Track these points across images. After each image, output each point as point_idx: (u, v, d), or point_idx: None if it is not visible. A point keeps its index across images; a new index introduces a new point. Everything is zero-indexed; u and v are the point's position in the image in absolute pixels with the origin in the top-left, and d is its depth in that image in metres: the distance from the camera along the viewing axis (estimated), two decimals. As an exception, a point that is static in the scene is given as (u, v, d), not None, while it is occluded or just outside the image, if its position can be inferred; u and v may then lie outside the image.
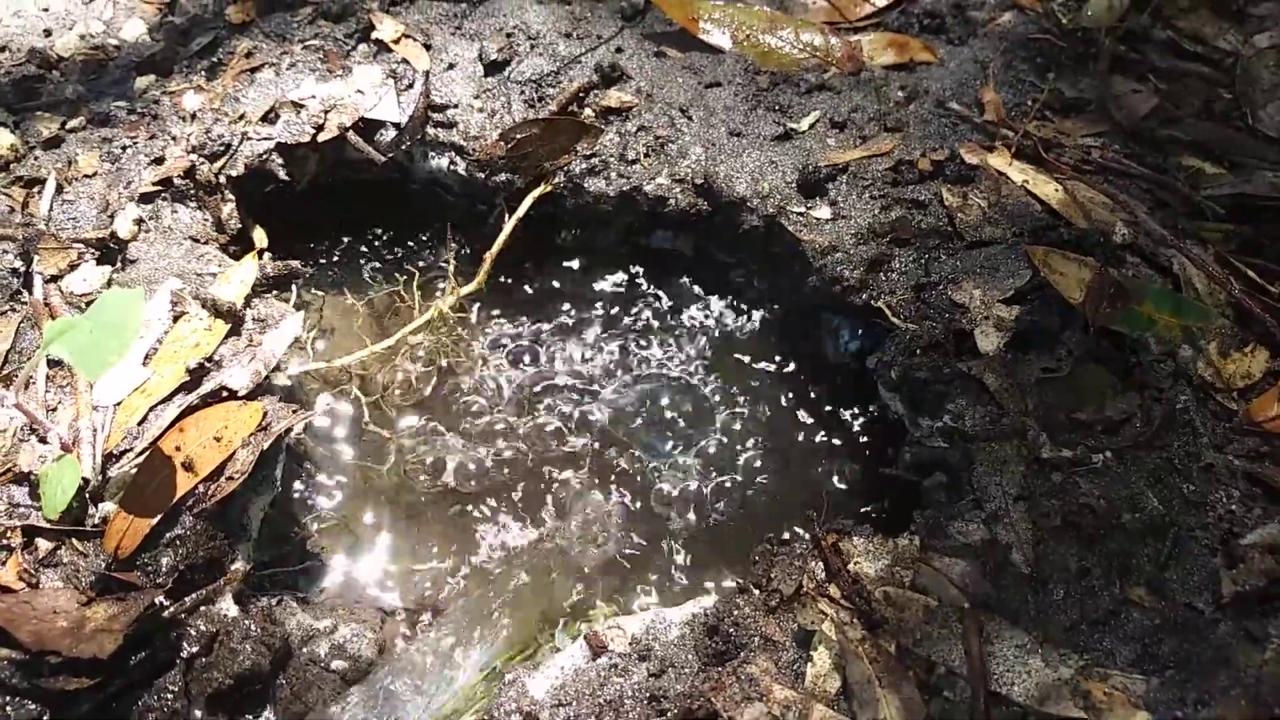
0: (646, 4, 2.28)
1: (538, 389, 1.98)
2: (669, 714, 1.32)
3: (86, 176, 1.92)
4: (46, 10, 2.32)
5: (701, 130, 2.04)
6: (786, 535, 1.73)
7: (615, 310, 2.11)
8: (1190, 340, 1.67)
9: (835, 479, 1.86)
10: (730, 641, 1.37)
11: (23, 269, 1.75)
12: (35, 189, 1.89)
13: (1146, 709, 1.28)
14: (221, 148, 1.94)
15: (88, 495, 1.43)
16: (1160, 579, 1.43)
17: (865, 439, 1.91)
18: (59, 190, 1.88)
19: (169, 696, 1.33)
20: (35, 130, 1.99)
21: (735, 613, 1.39)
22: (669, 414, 1.96)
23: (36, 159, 1.94)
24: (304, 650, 1.49)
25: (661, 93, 2.10)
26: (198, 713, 1.34)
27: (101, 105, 2.05)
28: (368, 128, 2.00)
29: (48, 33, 2.26)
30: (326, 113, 1.98)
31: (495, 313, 2.10)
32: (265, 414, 1.55)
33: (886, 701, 1.28)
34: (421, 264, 2.10)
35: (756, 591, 1.43)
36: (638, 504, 1.83)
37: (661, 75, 2.14)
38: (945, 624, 1.36)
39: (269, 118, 1.99)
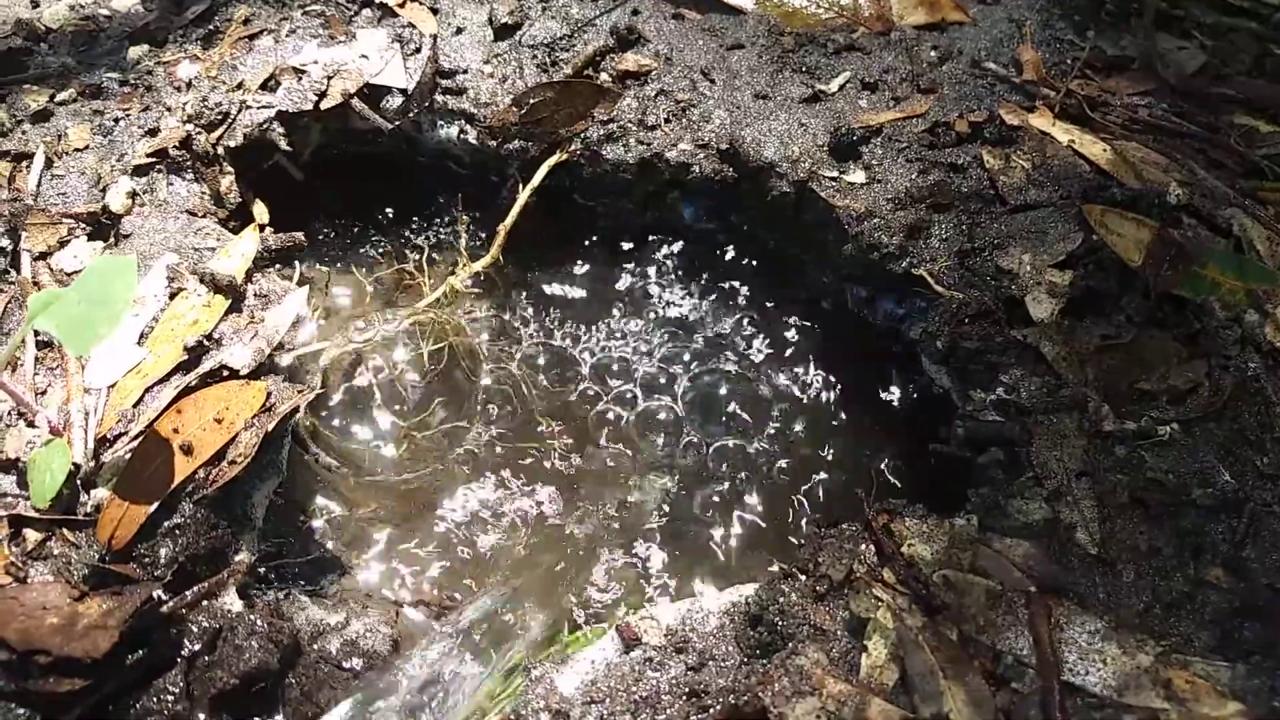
0: (663, -35, 2.17)
1: (560, 369, 1.87)
2: (711, 710, 1.22)
3: (77, 150, 1.82)
4: (34, -19, 2.21)
5: (725, 93, 1.93)
6: (834, 517, 1.62)
7: (641, 285, 2.00)
8: (1256, 304, 1.56)
9: (882, 457, 1.75)
10: (776, 631, 1.26)
11: (10, 246, 1.65)
12: (23, 163, 1.79)
13: (1235, 698, 1.17)
14: (219, 117, 1.83)
15: (79, 482, 1.33)
16: (1237, 558, 1.32)
17: (907, 414, 1.79)
18: (48, 164, 1.78)
19: (169, 698, 1.22)
20: (23, 104, 1.88)
21: (780, 600, 1.29)
22: (701, 394, 1.85)
23: (24, 133, 1.84)
24: (314, 647, 1.38)
25: (681, 55, 1.99)
26: (201, 715, 1.23)
27: (92, 77, 1.95)
28: (373, 94, 1.89)
29: (35, 4, 2.16)
30: (329, 79, 1.87)
31: (512, 288, 1.98)
32: (269, 394, 1.44)
33: (952, 694, 1.17)
34: (431, 238, 1.99)
35: (803, 577, 1.32)
36: (668, 488, 1.72)
37: (680, 37, 2.03)
38: (1010, 609, 1.25)
39: (269, 85, 1.88)
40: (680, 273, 2.00)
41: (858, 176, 1.80)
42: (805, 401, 1.84)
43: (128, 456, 1.35)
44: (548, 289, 1.98)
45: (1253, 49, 2.05)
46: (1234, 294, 1.56)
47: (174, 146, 1.78)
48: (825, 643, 1.25)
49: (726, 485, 1.72)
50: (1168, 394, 1.47)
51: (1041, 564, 1.30)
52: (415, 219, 2.05)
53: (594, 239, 2.03)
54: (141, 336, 1.53)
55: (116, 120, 1.86)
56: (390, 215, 2.05)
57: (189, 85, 1.90)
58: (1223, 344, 1.51)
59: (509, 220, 1.84)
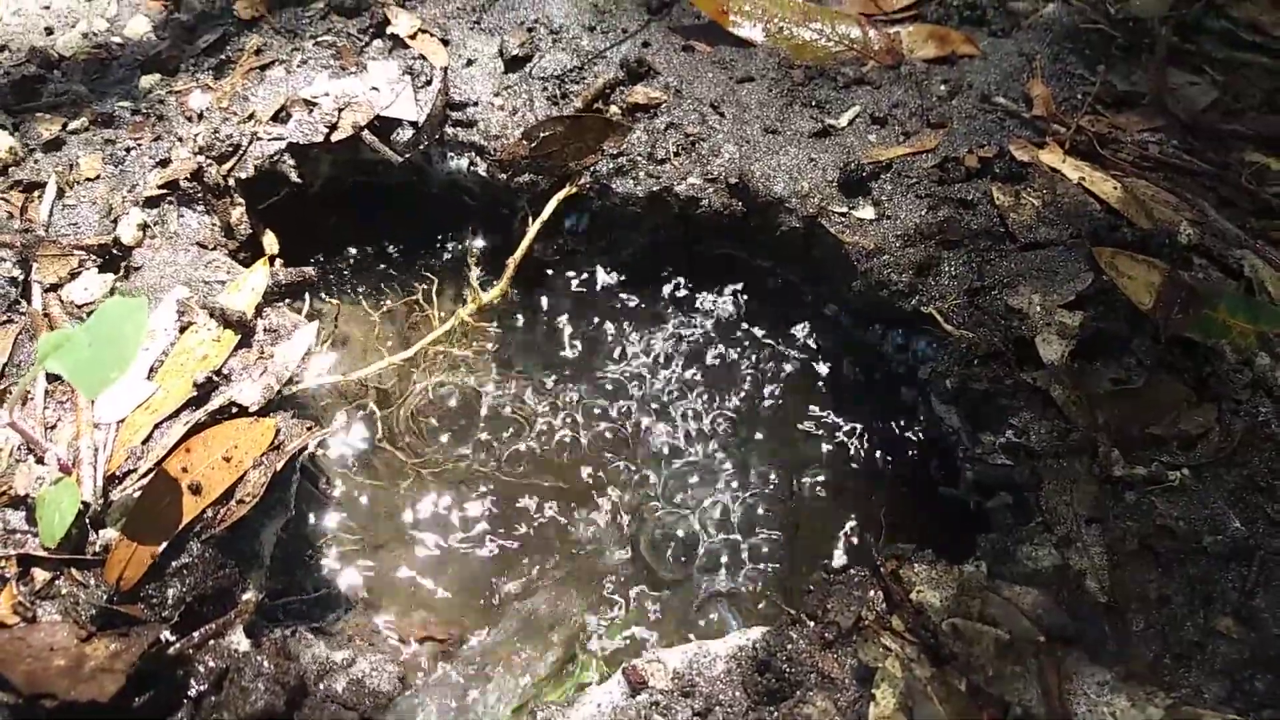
0: (674, -4, 2.18)
1: (568, 402, 1.86)
2: (718, 758, 1.22)
3: (89, 180, 1.82)
4: (48, 8, 2.22)
5: (734, 127, 1.93)
6: (840, 561, 1.62)
7: (649, 319, 2.00)
8: (1267, 347, 1.55)
9: (888, 500, 1.74)
10: (784, 679, 1.26)
11: (21, 277, 1.65)
12: (35, 193, 1.79)
13: (1245, 754, 1.17)
14: (230, 149, 1.83)
15: (88, 521, 1.33)
16: (1248, 607, 1.31)
17: (916, 456, 1.79)
18: (60, 194, 1.79)
19: (175, 741, 1.22)
20: (35, 132, 1.89)
21: (789, 647, 1.28)
22: (710, 430, 1.84)
23: (36, 162, 1.84)
24: (320, 686, 1.38)
25: (691, 88, 1.99)
26: (207, 758, 1.23)
27: (105, 105, 1.95)
28: (384, 127, 1.90)
29: (49, 31, 2.17)
30: (340, 111, 1.88)
31: (520, 321, 1.99)
32: (278, 432, 1.44)
33: (960, 747, 1.16)
34: (441, 271, 2.00)
35: (811, 624, 1.32)
36: (676, 528, 1.72)
37: (690, 70, 2.03)
38: (1019, 659, 1.24)
39: (280, 117, 1.89)
40: (687, 306, 2.00)
41: (867, 212, 1.80)
42: (813, 440, 1.83)
43: (136, 495, 1.35)
44: (556, 319, 1.98)
45: (1265, 84, 2.05)
46: (1245, 337, 1.55)
47: (185, 178, 1.79)
48: (833, 691, 1.24)
49: (734, 524, 1.72)
50: (1178, 439, 1.46)
51: (1051, 612, 1.29)
52: (425, 250, 2.06)
53: (604, 270, 2.03)
54: (151, 370, 1.54)
55: (128, 150, 1.87)
56: (400, 247, 2.06)
57: (200, 116, 1.90)
58: (1233, 388, 1.50)
59: (519, 253, 1.84)
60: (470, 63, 2.01)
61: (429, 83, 1.95)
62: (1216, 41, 2.12)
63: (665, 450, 1.81)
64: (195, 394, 1.48)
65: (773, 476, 1.78)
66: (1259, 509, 1.40)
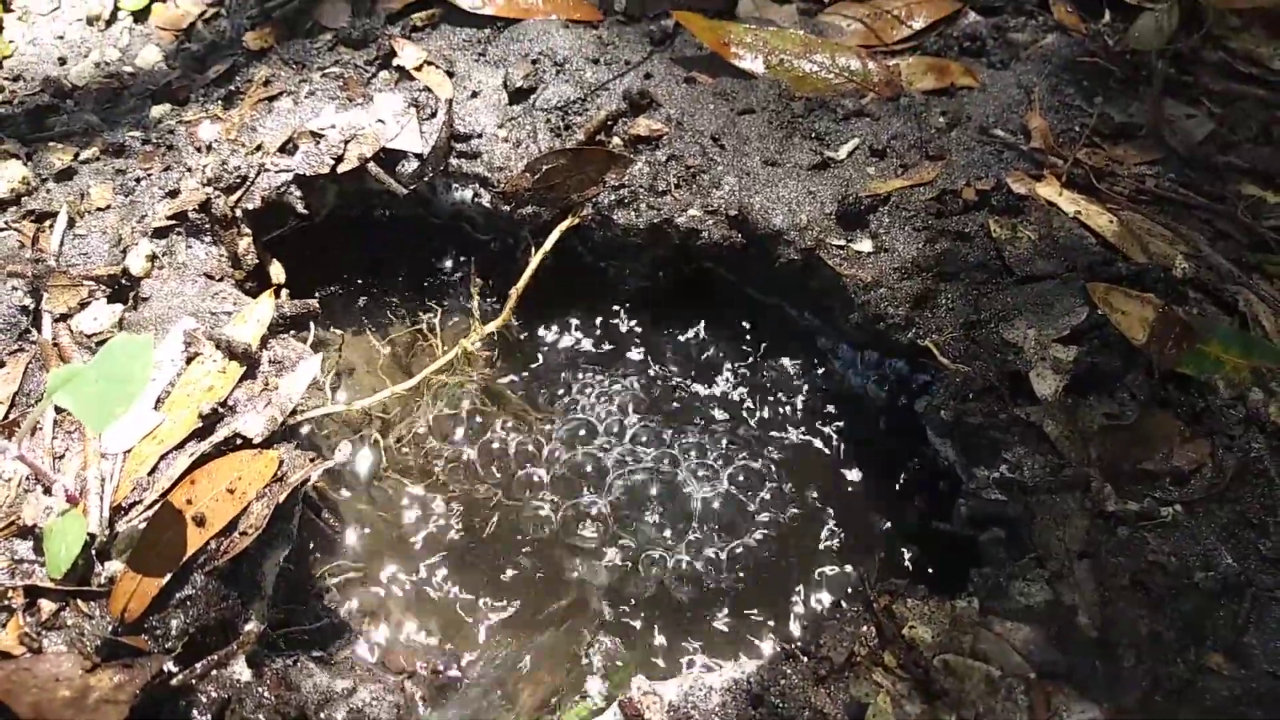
0: (676, 28, 2.20)
1: (566, 433, 1.89)
2: (711, 792, 1.23)
3: (99, 210, 1.86)
4: (62, 38, 2.27)
5: (734, 159, 1.95)
6: (833, 596, 1.63)
7: (644, 350, 2.02)
8: (1261, 383, 1.56)
9: (885, 533, 1.76)
10: (776, 713, 1.27)
11: (32, 306, 1.68)
12: (46, 223, 1.83)
13: (1234, 793, 1.18)
14: (238, 180, 1.87)
15: (94, 552, 1.36)
16: (1239, 644, 1.32)
17: (912, 489, 1.80)
18: (70, 224, 1.82)
19: (177, 772, 1.24)
20: (48, 162, 1.93)
21: (782, 681, 1.30)
22: (706, 463, 1.86)
23: (49, 191, 1.88)
24: (321, 716, 1.40)
25: (692, 120, 2.02)
26: (208, 788, 1.25)
27: (116, 135, 1.99)
28: (389, 158, 1.93)
29: (62, 61, 2.22)
30: (346, 143, 1.91)
31: (522, 352, 2.01)
32: (281, 463, 1.46)
33: (949, 784, 1.18)
34: (444, 301, 2.02)
35: (804, 659, 1.33)
36: (672, 561, 1.73)
37: (692, 102, 2.06)
38: (1010, 696, 1.26)
39: (287, 148, 1.92)
40: (682, 338, 2.03)
41: (865, 245, 1.82)
42: (806, 473, 1.85)
43: (142, 527, 1.38)
44: (555, 349, 2.01)
45: (1261, 116, 2.06)
46: (1238, 372, 1.57)
47: (193, 209, 1.82)
48: (825, 727, 1.26)
49: (726, 558, 1.73)
50: (1170, 474, 1.47)
51: (1042, 649, 1.31)
52: (429, 281, 2.09)
53: (600, 301, 2.06)
54: (158, 401, 1.56)
55: (138, 180, 1.90)
56: (404, 277, 2.09)
57: (209, 147, 1.94)
58: (1227, 424, 1.52)
59: (521, 283, 1.86)
60: (475, 95, 2.04)
61: (434, 115, 1.98)
62: (1213, 74, 2.14)
63: (664, 482, 1.83)
64: (200, 425, 1.51)
65: (768, 508, 1.79)
66: (1251, 545, 1.41)
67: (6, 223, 1.80)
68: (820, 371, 1.97)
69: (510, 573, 1.72)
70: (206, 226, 1.83)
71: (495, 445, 1.86)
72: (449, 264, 2.10)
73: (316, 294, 1.84)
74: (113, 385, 1.24)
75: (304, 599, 1.57)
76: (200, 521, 1.38)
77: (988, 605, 1.36)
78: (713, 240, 1.87)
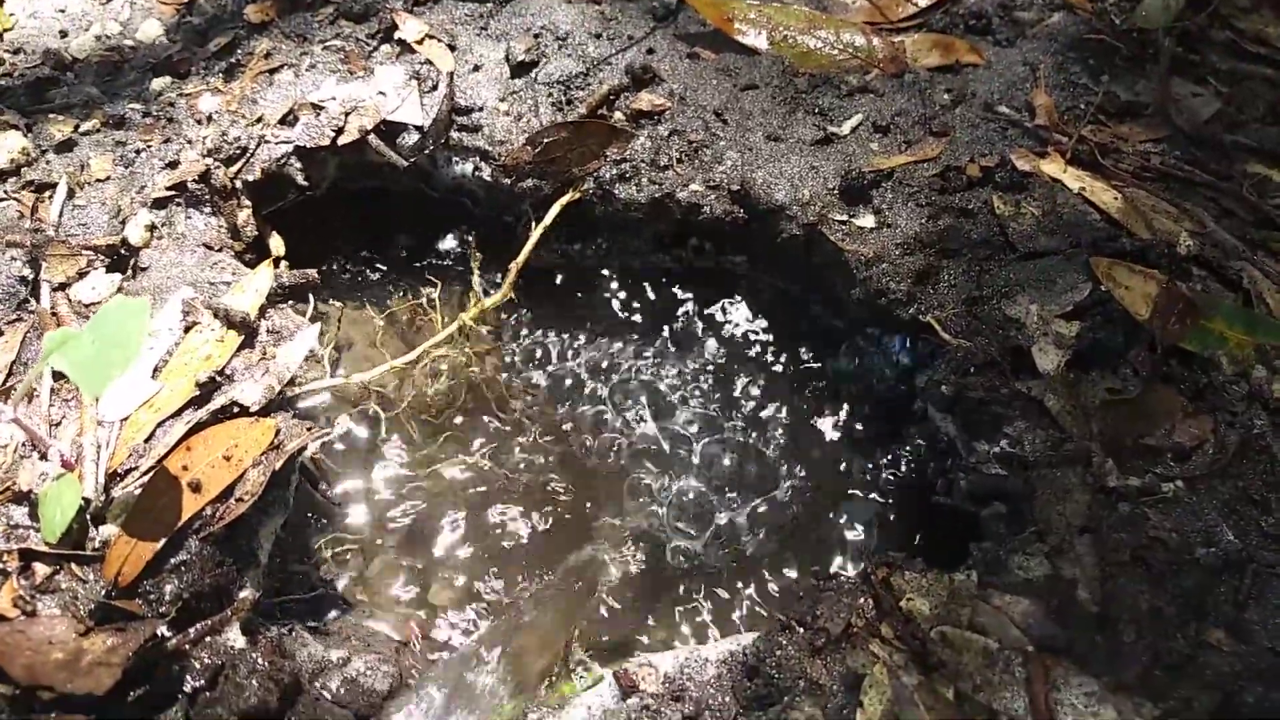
0: (679, 4, 2.19)
1: (565, 408, 1.88)
2: (706, 762, 1.22)
3: (99, 181, 1.85)
4: (63, 11, 2.26)
5: (737, 134, 1.94)
6: (831, 568, 1.62)
7: (646, 324, 2.01)
8: (1264, 360, 1.55)
9: (880, 508, 1.75)
10: (773, 684, 1.27)
11: (31, 276, 1.68)
12: (46, 193, 1.82)
13: (1232, 766, 1.17)
14: (238, 151, 1.86)
15: (89, 517, 1.35)
16: (1239, 620, 1.31)
17: (913, 464, 1.79)
18: (70, 195, 1.81)
19: (170, 735, 1.24)
20: (47, 133, 1.92)
21: (778, 653, 1.29)
22: (703, 438, 1.85)
23: (48, 162, 1.87)
24: (315, 684, 1.39)
25: (695, 95, 2.01)
26: (201, 753, 1.25)
27: (116, 107, 1.98)
28: (390, 131, 1.92)
29: (63, 34, 2.20)
30: (347, 115, 1.90)
31: (523, 326, 2.00)
32: (278, 432, 1.46)
33: (945, 754, 1.17)
34: (444, 275, 2.01)
35: (800, 630, 1.32)
36: (671, 532, 1.73)
37: (695, 77, 2.05)
38: (1008, 668, 1.25)
39: (287, 120, 1.91)
40: (686, 314, 2.01)
41: (867, 221, 1.81)
42: (805, 446, 1.84)
43: (137, 493, 1.37)
44: (556, 326, 2.00)
45: (1268, 95, 2.05)
46: (1242, 349, 1.55)
47: (193, 180, 1.81)
48: (821, 698, 1.25)
49: (726, 531, 1.73)
50: (1172, 450, 1.46)
51: (1040, 622, 1.30)
52: (429, 254, 2.08)
53: (604, 277, 2.05)
54: (155, 370, 1.56)
55: (138, 151, 1.90)
56: (405, 250, 2.08)
57: (210, 119, 1.93)
58: (1229, 400, 1.50)
59: (521, 258, 1.85)
60: (476, 68, 2.03)
61: (435, 88, 1.97)
62: (1220, 53, 2.12)
63: (663, 457, 1.82)
64: (198, 393, 1.50)
65: (766, 481, 1.79)
66: (1252, 521, 1.40)
67: (6, 193, 1.80)
68: (822, 344, 1.96)
69: (507, 544, 1.71)
70: (206, 197, 1.82)
71: (493, 420, 1.85)
72: (449, 238, 2.08)
73: (317, 269, 1.83)
74: (108, 348, 1.24)
75: (300, 567, 1.57)
76: (196, 488, 1.37)
77: (986, 579, 1.35)
78: (714, 215, 1.86)
